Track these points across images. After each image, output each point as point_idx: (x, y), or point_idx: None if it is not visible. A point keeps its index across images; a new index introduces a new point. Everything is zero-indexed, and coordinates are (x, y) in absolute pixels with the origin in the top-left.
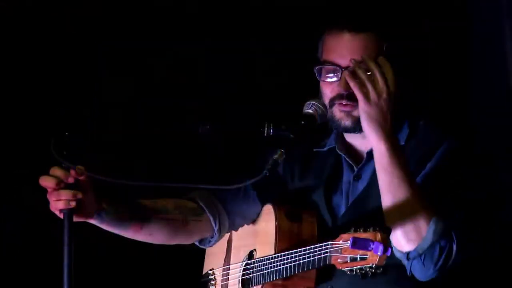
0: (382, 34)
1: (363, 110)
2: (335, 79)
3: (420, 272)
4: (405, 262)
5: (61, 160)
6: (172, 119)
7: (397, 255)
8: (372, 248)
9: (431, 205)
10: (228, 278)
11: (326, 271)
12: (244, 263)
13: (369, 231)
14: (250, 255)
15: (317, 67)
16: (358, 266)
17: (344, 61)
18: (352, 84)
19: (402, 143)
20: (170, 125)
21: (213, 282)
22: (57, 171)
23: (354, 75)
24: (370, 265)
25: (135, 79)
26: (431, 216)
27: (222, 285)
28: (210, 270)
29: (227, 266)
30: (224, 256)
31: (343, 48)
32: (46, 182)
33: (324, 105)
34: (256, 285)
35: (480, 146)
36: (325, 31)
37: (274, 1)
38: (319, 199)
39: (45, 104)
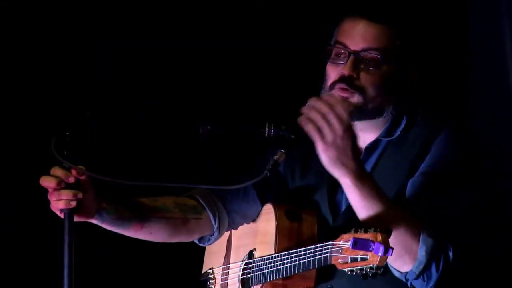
0: (398, 31)
1: (322, 151)
2: (341, 62)
3: (421, 286)
4: (403, 279)
5: (61, 160)
6: (172, 119)
7: (396, 274)
8: (373, 249)
9: (418, 221)
10: (228, 277)
11: (326, 270)
12: (244, 262)
13: (370, 231)
14: (250, 255)
15: (328, 47)
16: (359, 267)
17: (354, 46)
18: (307, 128)
19: (398, 133)
20: (171, 125)
21: (212, 281)
22: (57, 171)
23: (309, 119)
24: (371, 265)
25: (135, 79)
26: (419, 235)
27: (221, 284)
28: (210, 269)
29: (227, 266)
30: (224, 255)
31: (356, 33)
32: (47, 182)
33: None
34: (255, 284)
35: (480, 146)
36: (342, 17)
37: (275, 0)
38: (321, 197)
39: (45, 104)
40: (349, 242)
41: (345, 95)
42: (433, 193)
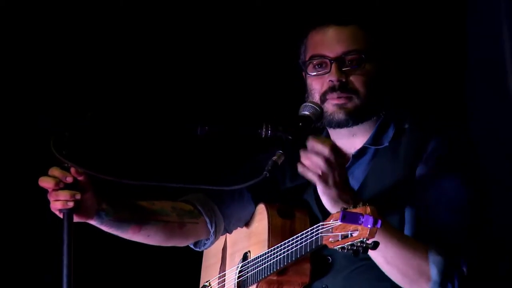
0: (368, 27)
1: (324, 193)
2: (324, 71)
3: None
4: None
5: (61, 159)
6: (171, 120)
7: None
8: (362, 222)
9: (422, 244)
10: (224, 284)
11: (321, 269)
12: (240, 265)
13: (359, 206)
14: (245, 257)
15: (305, 62)
16: (349, 242)
17: (332, 53)
18: (308, 176)
19: (386, 144)
20: (169, 126)
21: None
22: (55, 172)
23: (307, 166)
24: (361, 239)
25: (135, 79)
26: (427, 256)
27: None
28: (207, 281)
29: (223, 273)
30: (220, 265)
31: (330, 41)
32: (45, 182)
33: (320, 106)
34: (251, 284)
35: (479, 148)
36: (308, 30)
37: (273, 1)
38: (310, 198)
39: (45, 104)
40: (339, 221)
41: (341, 102)
42: (440, 205)
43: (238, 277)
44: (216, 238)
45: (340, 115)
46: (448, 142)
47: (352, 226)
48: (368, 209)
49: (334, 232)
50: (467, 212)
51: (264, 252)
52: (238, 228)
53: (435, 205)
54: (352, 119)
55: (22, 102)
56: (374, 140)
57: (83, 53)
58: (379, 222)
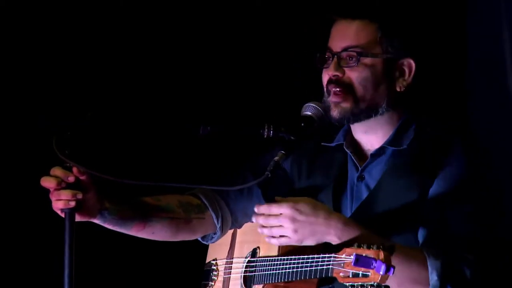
0: (378, 23)
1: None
2: (328, 65)
3: None
4: None
5: (63, 158)
6: (173, 120)
7: None
8: (375, 267)
9: (419, 249)
10: (231, 272)
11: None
12: (247, 259)
13: (372, 248)
14: (254, 253)
15: (317, 55)
16: (360, 283)
17: (335, 48)
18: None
19: (405, 146)
20: (171, 126)
21: (215, 272)
22: (57, 171)
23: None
24: (372, 283)
25: (136, 79)
26: (426, 261)
27: (224, 278)
28: (214, 260)
29: (230, 260)
30: (228, 249)
31: (336, 35)
32: (47, 182)
33: (322, 106)
34: (257, 284)
35: (488, 156)
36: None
37: (274, 1)
38: (327, 199)
39: (46, 104)
40: (351, 257)
41: (336, 100)
42: (447, 212)
43: (245, 271)
44: (223, 233)
45: (335, 113)
46: (469, 153)
47: (364, 268)
48: (382, 255)
49: (345, 267)
50: (478, 222)
51: (273, 258)
52: (249, 222)
53: (447, 212)
54: (346, 118)
55: (23, 102)
56: (394, 140)
57: (83, 53)
58: (392, 270)
